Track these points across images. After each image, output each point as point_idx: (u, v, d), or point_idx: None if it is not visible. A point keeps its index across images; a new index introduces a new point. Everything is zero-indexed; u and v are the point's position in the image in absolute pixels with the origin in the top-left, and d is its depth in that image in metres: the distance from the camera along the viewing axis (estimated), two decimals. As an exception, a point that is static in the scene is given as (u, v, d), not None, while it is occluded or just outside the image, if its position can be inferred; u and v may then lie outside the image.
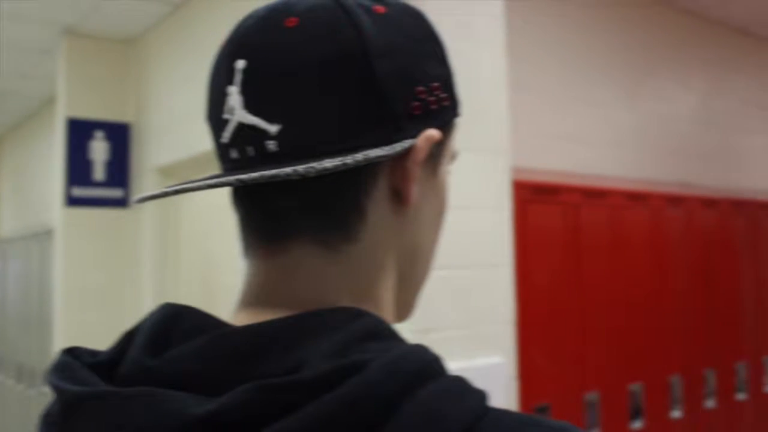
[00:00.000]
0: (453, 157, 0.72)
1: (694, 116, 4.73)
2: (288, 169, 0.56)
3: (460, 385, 0.56)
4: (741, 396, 4.22)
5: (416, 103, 0.62)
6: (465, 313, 2.48)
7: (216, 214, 3.57)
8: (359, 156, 0.58)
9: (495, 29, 2.64)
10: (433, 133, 0.63)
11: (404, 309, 0.70)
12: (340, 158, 0.57)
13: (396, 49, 0.62)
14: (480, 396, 0.56)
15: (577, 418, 3.24)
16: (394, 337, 0.58)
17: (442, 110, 0.65)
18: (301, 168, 0.56)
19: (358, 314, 0.57)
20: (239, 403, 0.50)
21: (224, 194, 0.68)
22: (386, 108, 0.60)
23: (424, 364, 0.55)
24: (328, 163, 0.56)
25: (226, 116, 0.61)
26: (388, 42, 0.61)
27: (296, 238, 0.61)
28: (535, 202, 3.16)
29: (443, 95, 0.65)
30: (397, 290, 0.67)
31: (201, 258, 3.90)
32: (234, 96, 0.61)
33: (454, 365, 2.38)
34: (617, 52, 4.21)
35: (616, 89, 4.19)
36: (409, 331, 2.30)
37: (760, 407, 4.39)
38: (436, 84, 0.64)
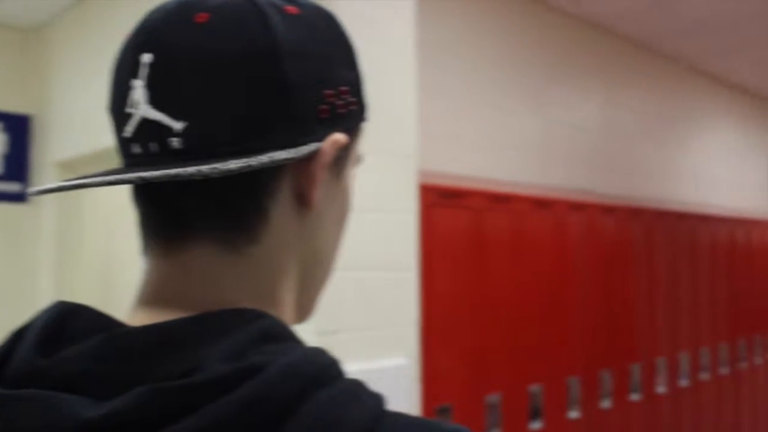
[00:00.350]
0: (358, 161, 0.72)
1: (595, 125, 4.90)
2: (191, 169, 0.55)
3: (357, 388, 0.56)
4: (635, 396, 4.39)
5: (324, 107, 0.62)
6: (370, 315, 2.50)
7: (119, 211, 3.49)
8: (264, 158, 0.57)
9: (405, 33, 2.68)
10: (339, 137, 0.63)
11: (304, 311, 0.70)
12: (244, 159, 0.57)
13: (306, 51, 0.61)
14: (377, 399, 0.57)
15: (478, 419, 3.31)
16: (293, 339, 0.58)
17: (350, 114, 0.65)
18: (205, 168, 0.55)
19: (257, 316, 0.57)
20: (132, 407, 0.49)
21: (128, 191, 0.67)
22: (294, 110, 0.60)
23: (322, 367, 0.55)
24: (233, 164, 0.56)
25: (129, 110, 0.60)
26: (299, 43, 0.61)
27: (197, 237, 0.60)
28: (441, 206, 3.21)
29: (351, 99, 0.65)
30: (298, 292, 0.67)
31: (103, 255, 3.81)
32: (138, 90, 0.59)
33: (358, 366, 2.40)
34: (524, 61, 4.32)
35: (523, 97, 4.29)
36: (315, 332, 2.31)
37: (653, 407, 4.57)
38: (344, 88, 0.64)
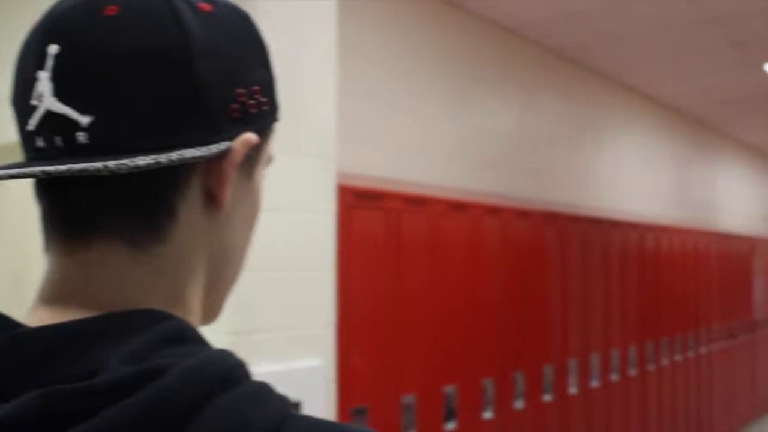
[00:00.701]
0: (269, 161, 0.71)
1: (512, 131, 5.00)
2: (98, 164, 0.54)
3: (263, 391, 0.56)
4: (547, 397, 4.49)
5: (236, 106, 0.61)
6: (286, 315, 2.50)
7: (32, 207, 3.38)
8: (174, 155, 0.57)
9: (327, 35, 2.69)
10: (250, 136, 0.62)
11: (211, 312, 0.69)
12: (153, 156, 0.56)
13: (219, 49, 0.60)
14: (283, 402, 0.56)
15: (393, 420, 3.34)
16: (199, 341, 0.58)
17: (261, 114, 0.65)
18: (112, 164, 0.54)
19: (162, 317, 0.56)
20: (25, 411, 0.48)
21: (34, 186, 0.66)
22: (204, 108, 0.59)
23: (227, 370, 0.55)
24: (141, 161, 0.55)
25: (33, 102, 0.58)
26: (212, 41, 0.60)
27: (102, 235, 0.59)
28: (359, 207, 3.23)
29: (263, 99, 0.65)
30: (205, 293, 0.66)
31: (13, 253, 3.69)
32: (44, 82, 0.58)
33: (273, 367, 2.40)
34: (444, 66, 4.39)
35: (441, 101, 4.35)
36: (229, 332, 2.30)
37: (564, 407, 4.69)
38: (257, 88, 0.64)
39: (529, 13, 4.74)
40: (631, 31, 5.15)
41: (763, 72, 6.29)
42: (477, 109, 4.67)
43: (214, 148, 0.60)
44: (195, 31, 0.59)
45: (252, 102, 0.63)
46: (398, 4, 4.04)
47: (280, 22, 2.48)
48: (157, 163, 0.56)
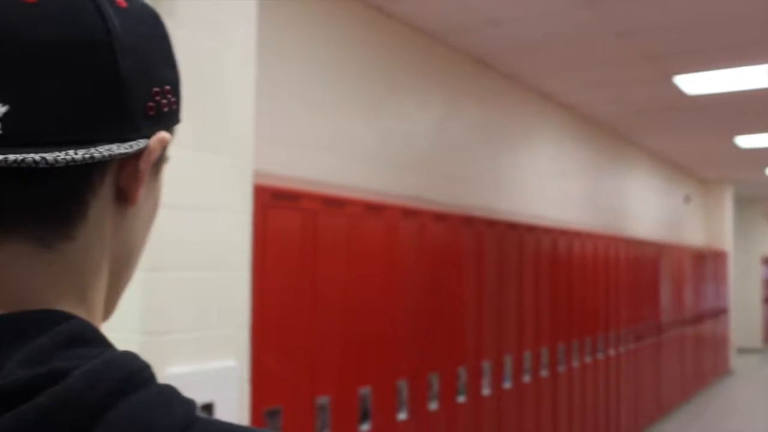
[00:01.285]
0: (166, 160, 0.71)
1: (431, 135, 5.06)
2: (12, 157, 0.52)
3: (168, 394, 0.55)
4: (461, 398, 4.56)
5: (151, 104, 0.61)
6: (200, 316, 2.48)
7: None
8: (96, 152, 0.56)
9: (247, 33, 2.67)
10: (166, 135, 0.63)
11: (108, 310, 0.68)
12: (72, 150, 0.54)
13: (137, 46, 0.60)
14: (188, 405, 0.56)
15: (308, 421, 3.33)
16: (102, 342, 0.57)
17: (171, 114, 0.65)
18: (29, 157, 0.52)
19: (65, 317, 0.55)
20: None
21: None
22: (124, 105, 0.58)
23: (132, 372, 0.54)
24: (58, 155, 0.53)
25: None
26: (132, 38, 0.59)
27: (9, 232, 0.57)
28: (275, 207, 3.22)
29: (173, 99, 0.65)
30: (106, 292, 0.65)
31: None
32: None
33: (187, 368, 2.37)
34: (364, 69, 4.41)
35: (361, 104, 4.38)
36: (141, 332, 2.26)
37: (478, 409, 4.77)
38: (168, 87, 0.64)
39: (451, 18, 4.81)
40: (549, 40, 5.28)
41: (673, 84, 6.53)
42: (396, 112, 4.71)
43: (135, 146, 0.59)
44: (117, 25, 0.59)
45: (164, 101, 0.63)
46: (319, 6, 4.05)
47: (199, 19, 2.45)
48: (73, 159, 0.54)
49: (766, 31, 5.14)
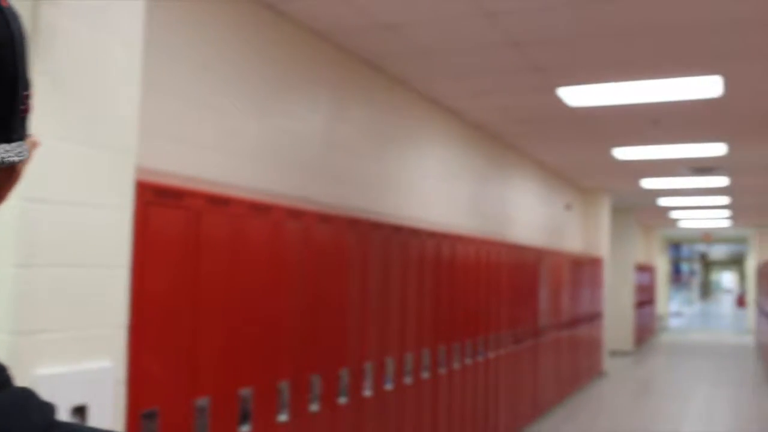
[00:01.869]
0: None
1: (319, 136, 5.08)
2: None
3: (25, 398, 0.54)
4: (342, 400, 4.59)
5: (24, 107, 0.61)
6: (75, 315, 2.41)
7: None
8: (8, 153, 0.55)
9: (133, 25, 2.61)
10: (36, 139, 0.62)
11: None
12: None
13: (23, 47, 0.60)
14: (47, 409, 0.55)
15: (186, 423, 3.28)
16: None
17: (28, 118, 0.64)
18: None
19: None
20: None
21: None
22: (14, 106, 0.58)
23: None
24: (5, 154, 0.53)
25: None
26: (21, 38, 0.59)
27: None
28: (158, 204, 3.16)
29: (31, 103, 0.64)
30: None
31: None
32: None
33: (60, 369, 2.30)
34: (252, 67, 4.38)
35: (249, 102, 4.35)
36: (10, 332, 2.18)
37: (359, 410, 4.81)
38: (30, 91, 0.63)
39: (343, 20, 4.83)
40: (440, 46, 5.38)
41: (557, 96, 6.77)
42: (284, 111, 4.70)
43: (24, 148, 0.59)
44: (13, 26, 0.58)
45: (28, 105, 0.63)
46: (208, 4, 4.00)
47: (83, 9, 2.38)
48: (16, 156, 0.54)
49: (647, 48, 5.40)
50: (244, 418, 3.67)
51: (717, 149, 9.43)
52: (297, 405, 4.13)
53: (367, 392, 4.92)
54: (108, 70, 2.52)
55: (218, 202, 3.55)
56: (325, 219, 4.50)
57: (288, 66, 4.74)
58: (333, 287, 4.56)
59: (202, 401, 3.38)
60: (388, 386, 5.22)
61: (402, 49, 5.46)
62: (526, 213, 10.21)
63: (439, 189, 7.15)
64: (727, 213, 18.97)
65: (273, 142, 4.58)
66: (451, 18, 4.77)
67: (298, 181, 4.81)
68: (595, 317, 13.26)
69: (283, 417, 3.98)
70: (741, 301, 36.76)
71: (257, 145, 4.43)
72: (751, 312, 25.16)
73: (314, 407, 4.29)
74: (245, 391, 3.69)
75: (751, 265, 26.30)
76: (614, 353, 16.39)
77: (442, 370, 6.24)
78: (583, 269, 12.30)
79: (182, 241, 3.31)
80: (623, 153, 9.87)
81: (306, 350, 4.24)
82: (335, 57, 5.32)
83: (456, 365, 6.55)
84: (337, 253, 4.61)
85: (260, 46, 4.46)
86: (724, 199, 15.66)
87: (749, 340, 22.73)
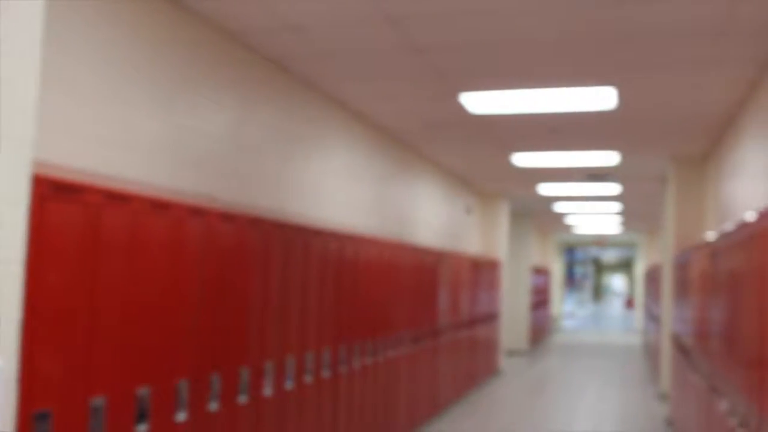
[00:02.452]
0: None
1: (222, 135, 5.02)
2: None
3: None
4: (243, 399, 4.55)
5: None
6: (-36, 311, 2.31)
7: None
8: None
9: (34, 13, 2.53)
10: None
11: None
12: None
13: None
14: None
15: (80, 424, 3.20)
16: None
17: None
18: None
19: None
20: None
21: None
22: None
23: None
24: None
25: None
26: None
27: None
28: (56, 199, 3.07)
29: None
30: None
31: None
32: None
33: (-55, 368, 2.20)
34: (157, 63, 4.31)
35: (151, 99, 4.27)
36: None
37: (259, 409, 4.78)
38: None
39: (251, 20, 4.81)
40: (346, 49, 5.41)
41: (458, 102, 6.89)
42: (189, 109, 4.63)
43: None
44: None
45: None
46: (113, -6, 3.91)
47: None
48: None
49: (546, 58, 5.57)
50: (142, 417, 3.60)
51: (611, 158, 9.79)
52: (196, 404, 4.07)
53: (268, 391, 4.89)
54: (4, 58, 2.43)
55: (118, 199, 3.47)
56: (228, 218, 4.46)
57: (195, 64, 4.68)
58: (234, 286, 4.52)
59: (98, 401, 3.30)
60: (289, 385, 5.21)
61: (309, 51, 5.47)
62: (427, 216, 10.35)
63: (343, 190, 7.18)
64: (618, 219, 19.71)
65: (177, 139, 4.51)
66: (355, 21, 4.81)
67: (202, 180, 4.75)
68: (492, 318, 13.55)
69: (181, 416, 3.93)
70: (630, 304, 38.19)
71: (161, 142, 4.35)
72: (639, 314, 26.19)
73: (213, 406, 4.24)
74: (143, 390, 3.62)
75: (640, 268, 27.39)
76: (510, 353, 16.79)
77: (343, 369, 6.26)
78: (482, 271, 12.55)
79: (80, 238, 3.22)
80: (522, 159, 10.13)
81: (206, 349, 4.19)
82: (243, 57, 5.27)
83: (357, 364, 6.59)
84: (239, 253, 4.57)
85: (166, 43, 4.39)
86: (616, 206, 16.27)
87: (637, 340, 23.66)
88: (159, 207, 3.79)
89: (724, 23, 4.67)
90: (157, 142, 4.32)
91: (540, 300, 21.55)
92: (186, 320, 4.01)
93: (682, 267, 8.09)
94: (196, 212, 4.12)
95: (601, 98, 6.58)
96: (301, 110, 6.26)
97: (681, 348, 8.00)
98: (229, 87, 5.11)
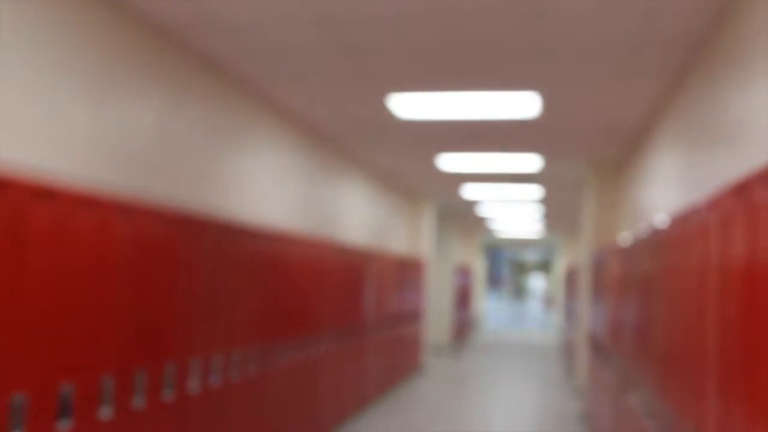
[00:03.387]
0: None
1: (151, 131, 4.95)
2: None
3: None
4: (168, 395, 4.50)
5: None
6: None
7: None
8: None
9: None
10: None
11: None
12: None
13: None
14: None
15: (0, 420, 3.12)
16: None
17: None
18: None
19: None
20: None
21: None
22: None
23: None
24: None
25: None
26: None
27: None
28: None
29: None
30: None
31: None
32: None
33: None
34: (87, 58, 4.22)
35: (81, 93, 4.18)
36: None
37: (185, 405, 4.73)
38: None
39: (182, 18, 4.75)
40: (277, 49, 5.39)
41: (386, 105, 6.94)
42: (118, 105, 4.55)
43: None
44: None
45: None
46: (40, -14, 3.82)
47: None
48: None
49: (472, 64, 5.65)
50: (64, 413, 3.53)
51: (533, 162, 10.00)
52: (121, 400, 4.01)
53: (193, 388, 4.85)
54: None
55: (44, 194, 3.40)
56: (157, 215, 4.40)
57: (125, 59, 4.60)
58: (161, 283, 4.46)
59: (18, 397, 3.22)
60: (215, 382, 5.17)
61: (239, 50, 5.43)
62: (355, 215, 10.39)
63: (272, 189, 7.15)
64: (539, 221, 20.11)
65: (106, 135, 4.42)
66: (285, 21, 4.80)
67: (129, 176, 4.68)
68: (417, 316, 13.68)
69: (105, 412, 3.86)
70: (549, 303, 38.98)
71: (89, 138, 4.26)
72: (557, 313, 26.78)
73: (138, 402, 4.18)
74: (66, 386, 3.55)
75: (559, 269, 28.00)
76: (433, 350, 16.95)
77: (269, 366, 6.24)
78: (407, 271, 12.65)
79: (3, 233, 3.14)
80: (446, 163, 10.26)
81: (131, 345, 4.13)
82: (174, 54, 5.21)
83: (283, 361, 6.57)
84: (166, 249, 4.52)
85: (97, 37, 4.30)
86: (538, 208, 16.60)
87: (556, 338, 24.18)
88: (86, 203, 3.72)
89: (640, 36, 4.84)
90: (85, 137, 4.23)
91: (463, 299, 21.84)
92: (112, 316, 3.94)
93: (598, 268, 8.33)
94: (124, 209, 4.06)
95: (525, 104, 6.72)
96: (232, 109, 6.22)
97: (596, 346, 8.23)
98: (159, 84, 5.04)
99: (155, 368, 4.38)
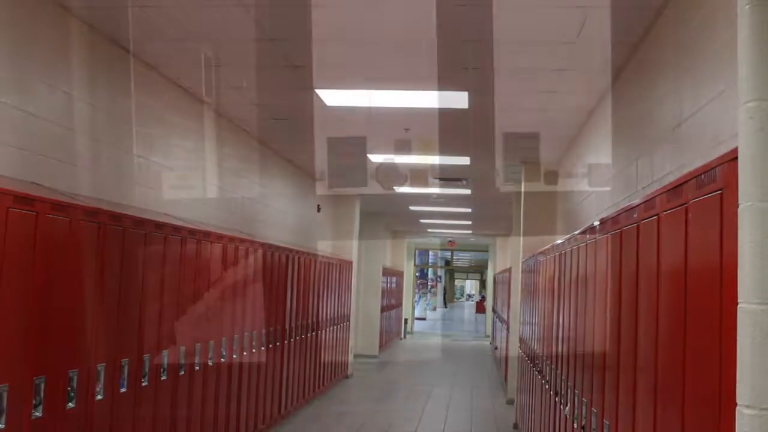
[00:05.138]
0: None
1: (56, 120, 4.80)
2: None
3: None
4: (71, 404, 4.35)
5: None
6: None
7: None
8: None
9: None
10: None
11: None
12: None
13: None
14: None
15: None
16: None
17: None
18: None
19: None
20: None
21: None
22: None
23: None
24: None
25: None
26: None
27: None
28: None
29: None
30: None
31: None
32: None
33: None
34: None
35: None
36: None
37: (90, 414, 4.58)
38: None
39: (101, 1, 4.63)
40: (197, 35, 5.30)
41: (313, 96, 6.89)
42: (19, 90, 4.40)
43: None
44: None
45: None
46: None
47: None
48: None
49: (401, 59, 5.66)
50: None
51: (461, 161, 10.07)
52: (17, 411, 3.86)
53: (100, 395, 4.71)
54: None
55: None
56: (60, 207, 4.26)
57: (29, 41, 4.44)
58: (65, 282, 4.32)
59: None
60: (124, 388, 5.04)
61: (155, 34, 5.31)
62: (277, 212, 10.29)
63: (189, 183, 7.02)
64: (469, 222, 20.31)
65: (5, 123, 4.26)
66: (206, 5, 4.71)
67: (30, 166, 4.51)
68: (342, 320, 13.64)
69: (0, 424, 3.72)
70: (480, 307, 39.47)
71: (-16, 123, 4.10)
72: (488, 317, 27.10)
73: (37, 413, 4.03)
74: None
75: (492, 273, 28.35)
76: (360, 355, 16.95)
77: (183, 371, 6.12)
78: (333, 271, 12.61)
79: None
80: (376, 157, 10.25)
81: (30, 350, 3.97)
82: (84, 36, 5.06)
83: (197, 367, 6.45)
84: (72, 245, 4.38)
85: (12, 25, 4.14)
86: (467, 209, 16.76)
87: (487, 344, 24.46)
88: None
89: (576, 33, 4.91)
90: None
91: (391, 302, 21.90)
92: (9, 319, 3.78)
93: (530, 272, 8.44)
94: (24, 200, 3.91)
95: (454, 102, 6.76)
96: (146, 96, 6.07)
97: (528, 353, 8.34)
98: (67, 68, 4.89)
99: (57, 375, 4.23)
